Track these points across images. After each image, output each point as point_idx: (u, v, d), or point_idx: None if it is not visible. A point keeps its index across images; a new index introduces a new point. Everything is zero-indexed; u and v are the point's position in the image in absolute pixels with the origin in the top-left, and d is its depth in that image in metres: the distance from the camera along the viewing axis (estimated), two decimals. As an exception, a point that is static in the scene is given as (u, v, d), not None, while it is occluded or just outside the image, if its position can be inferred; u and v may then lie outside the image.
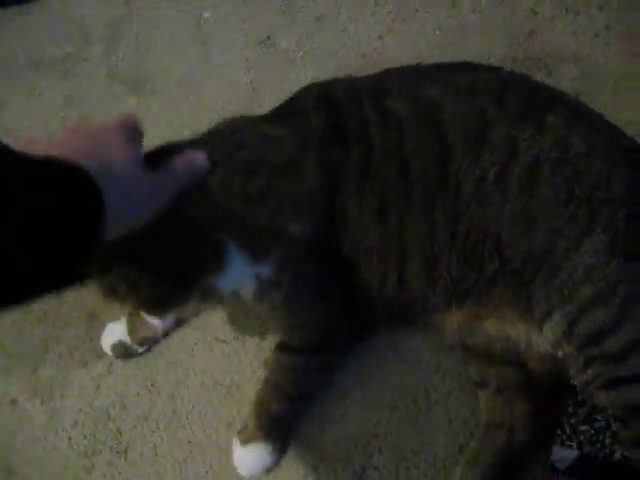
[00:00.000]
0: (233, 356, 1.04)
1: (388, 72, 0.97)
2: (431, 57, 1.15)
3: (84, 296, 1.10)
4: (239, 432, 0.98)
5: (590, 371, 0.84)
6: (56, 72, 1.26)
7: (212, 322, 1.06)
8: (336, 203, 0.87)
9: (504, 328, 0.93)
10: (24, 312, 1.10)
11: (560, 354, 0.86)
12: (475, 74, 0.93)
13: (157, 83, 1.21)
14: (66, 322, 1.09)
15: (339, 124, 0.89)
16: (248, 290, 0.87)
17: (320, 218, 0.87)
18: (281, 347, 0.96)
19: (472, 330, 0.95)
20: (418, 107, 0.89)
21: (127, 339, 1.05)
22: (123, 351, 1.06)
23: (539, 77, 1.11)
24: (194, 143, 0.88)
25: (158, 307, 0.87)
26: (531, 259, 0.85)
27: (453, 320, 0.94)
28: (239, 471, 0.98)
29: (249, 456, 0.97)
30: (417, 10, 1.18)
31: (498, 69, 0.96)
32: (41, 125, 1.23)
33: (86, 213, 0.58)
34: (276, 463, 0.97)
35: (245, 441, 0.97)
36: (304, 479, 0.96)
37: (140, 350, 1.06)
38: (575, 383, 0.87)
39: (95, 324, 1.08)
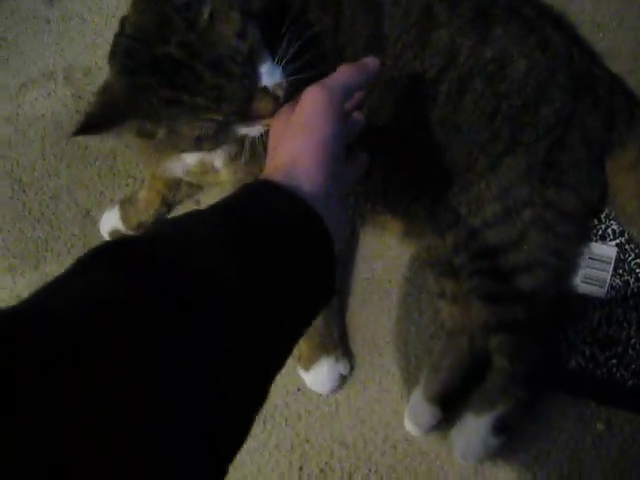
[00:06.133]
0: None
1: None
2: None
3: (78, 196, 1.15)
4: (298, 361, 0.99)
5: (474, 280, 0.89)
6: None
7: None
8: None
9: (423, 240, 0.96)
10: (23, 213, 1.16)
11: (456, 261, 0.91)
12: None
13: None
14: (62, 221, 1.15)
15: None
16: None
17: None
18: None
19: (412, 241, 0.98)
20: None
21: (121, 227, 1.10)
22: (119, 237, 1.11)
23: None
24: None
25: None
26: (450, 169, 0.88)
27: (394, 228, 0.97)
28: (317, 391, 1.00)
29: (319, 378, 0.99)
30: None
31: None
32: (26, 28, 1.24)
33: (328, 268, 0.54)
34: (348, 367, 1.00)
35: (307, 366, 0.98)
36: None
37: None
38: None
39: (89, 223, 1.14)
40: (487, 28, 0.87)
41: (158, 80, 0.68)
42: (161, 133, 0.71)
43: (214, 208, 0.51)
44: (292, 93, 0.70)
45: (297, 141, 0.57)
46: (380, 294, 1.03)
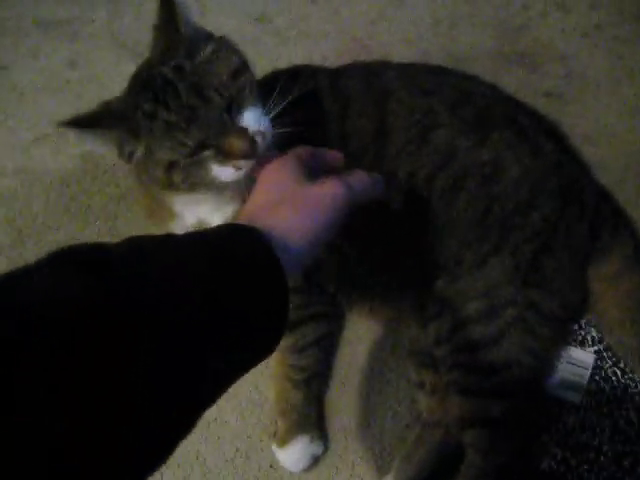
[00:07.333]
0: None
1: (353, 63, 1.00)
2: (420, 45, 1.18)
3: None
4: (273, 437, 1.00)
5: (453, 373, 0.91)
6: (62, 34, 1.31)
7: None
8: None
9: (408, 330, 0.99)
10: (19, 263, 1.17)
11: (437, 354, 0.93)
12: (441, 79, 0.96)
13: (156, 52, 1.25)
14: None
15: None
16: None
17: None
18: None
19: (396, 329, 1.00)
20: (369, 90, 0.93)
21: None
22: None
23: (524, 73, 1.14)
24: None
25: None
26: (438, 263, 0.91)
27: (380, 315, 1.00)
28: (290, 469, 1.00)
29: (293, 456, 0.98)
30: (411, -3, 1.20)
31: (471, 78, 0.98)
32: (46, 86, 1.29)
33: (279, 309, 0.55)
34: (322, 448, 1.00)
35: (282, 444, 0.99)
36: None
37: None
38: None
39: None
40: (485, 132, 0.91)
41: (145, 95, 0.72)
42: (139, 151, 0.74)
43: (186, 238, 0.52)
44: (280, 145, 0.74)
45: (301, 218, 0.59)
46: (360, 379, 1.04)
